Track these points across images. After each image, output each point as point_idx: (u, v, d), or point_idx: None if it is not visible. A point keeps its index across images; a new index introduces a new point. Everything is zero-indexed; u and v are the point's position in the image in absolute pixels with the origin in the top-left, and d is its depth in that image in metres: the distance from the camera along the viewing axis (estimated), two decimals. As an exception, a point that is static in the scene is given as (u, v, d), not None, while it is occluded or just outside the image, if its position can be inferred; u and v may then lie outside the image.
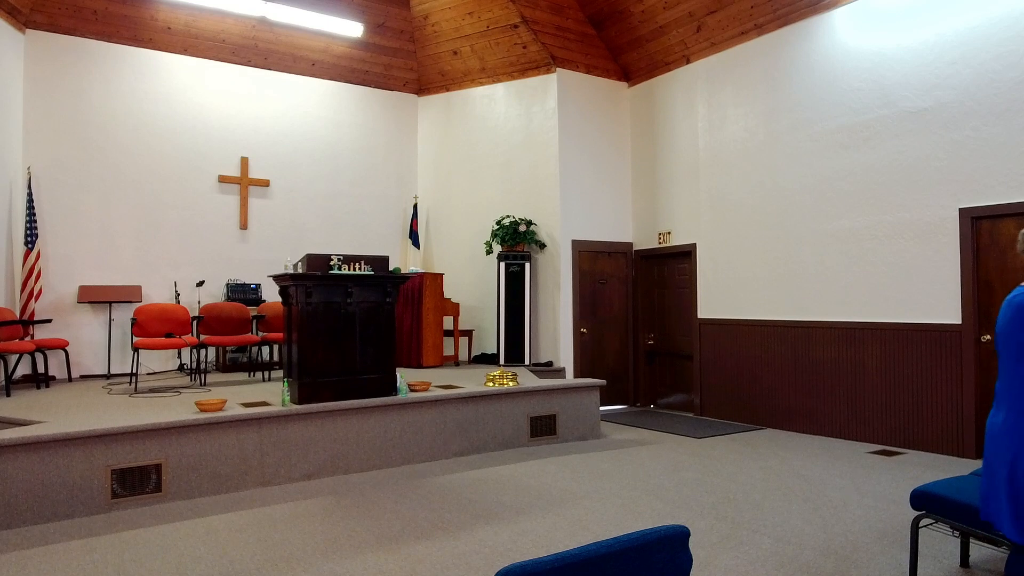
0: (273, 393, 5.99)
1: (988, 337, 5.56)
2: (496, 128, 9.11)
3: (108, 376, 7.56)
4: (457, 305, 8.72)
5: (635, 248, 9.04)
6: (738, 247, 7.61)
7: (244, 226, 8.57)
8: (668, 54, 8.36)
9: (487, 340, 9.02)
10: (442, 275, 8.50)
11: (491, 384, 6.30)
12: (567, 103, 8.61)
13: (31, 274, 7.11)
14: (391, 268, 5.97)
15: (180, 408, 5.19)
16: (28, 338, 6.96)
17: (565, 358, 8.43)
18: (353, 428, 5.39)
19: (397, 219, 9.68)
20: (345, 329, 5.56)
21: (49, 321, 7.20)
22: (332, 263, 5.58)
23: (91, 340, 7.65)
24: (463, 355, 9.17)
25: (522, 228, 8.45)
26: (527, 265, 8.47)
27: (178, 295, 7.93)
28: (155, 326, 6.74)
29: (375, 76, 9.45)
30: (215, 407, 4.94)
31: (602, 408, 7.31)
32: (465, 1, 8.64)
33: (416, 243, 9.55)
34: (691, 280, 8.22)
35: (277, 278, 5.72)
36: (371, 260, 5.78)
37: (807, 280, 6.90)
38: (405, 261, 9.64)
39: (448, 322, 8.82)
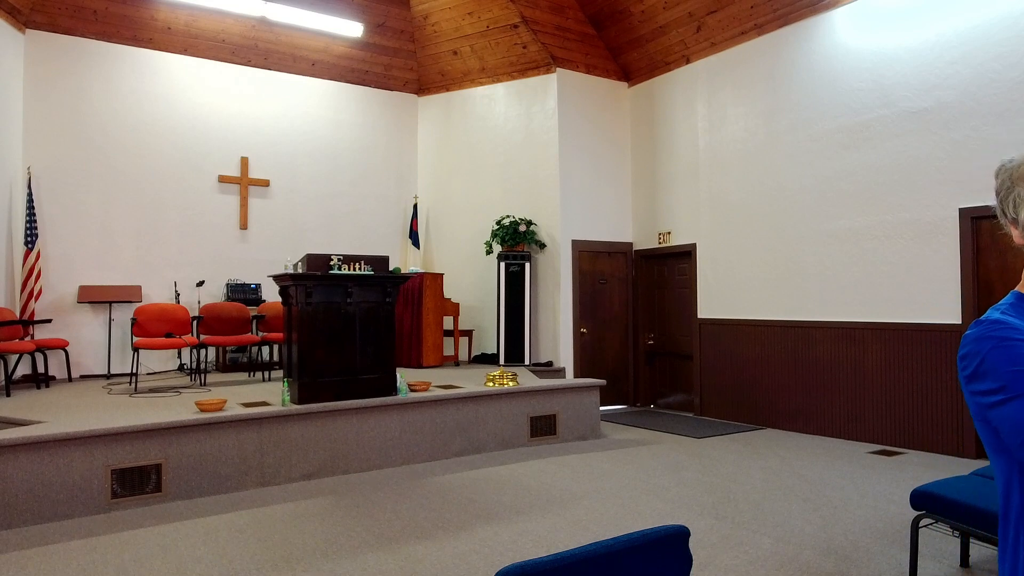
0: (273, 393, 5.99)
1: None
2: (496, 128, 9.11)
3: (108, 376, 7.56)
4: (457, 305, 8.72)
5: (635, 248, 9.04)
6: (738, 247, 7.61)
7: (244, 226, 8.57)
8: (668, 54, 8.36)
9: (487, 340, 9.02)
10: (442, 275, 8.50)
11: (491, 384, 6.30)
12: (567, 103, 8.61)
13: (31, 274, 7.11)
14: (391, 268, 5.97)
15: (180, 408, 5.19)
16: (28, 338, 6.96)
17: (565, 358, 8.43)
18: (353, 428, 5.39)
19: (397, 219, 9.68)
20: (345, 329, 5.56)
21: (49, 321, 7.20)
22: (332, 263, 5.58)
23: (91, 340, 7.65)
24: (463, 355, 9.17)
25: (522, 228, 8.45)
26: (527, 265, 8.47)
27: (178, 295, 7.93)
28: (155, 326, 6.74)
29: (375, 76, 9.45)
30: (215, 407, 4.94)
31: (602, 408, 7.31)
32: (465, 1, 8.63)
33: (416, 243, 9.55)
34: (691, 280, 8.22)
35: (277, 278, 5.72)
36: (371, 260, 5.78)
37: (807, 280, 6.89)
38: (405, 261, 9.64)
39: (448, 322, 8.82)
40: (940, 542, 3.64)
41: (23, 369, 7.05)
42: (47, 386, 6.78)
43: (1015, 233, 1.20)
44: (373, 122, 9.51)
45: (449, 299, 8.70)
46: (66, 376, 7.28)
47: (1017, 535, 1.14)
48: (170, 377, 7.46)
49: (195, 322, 7.15)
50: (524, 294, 8.44)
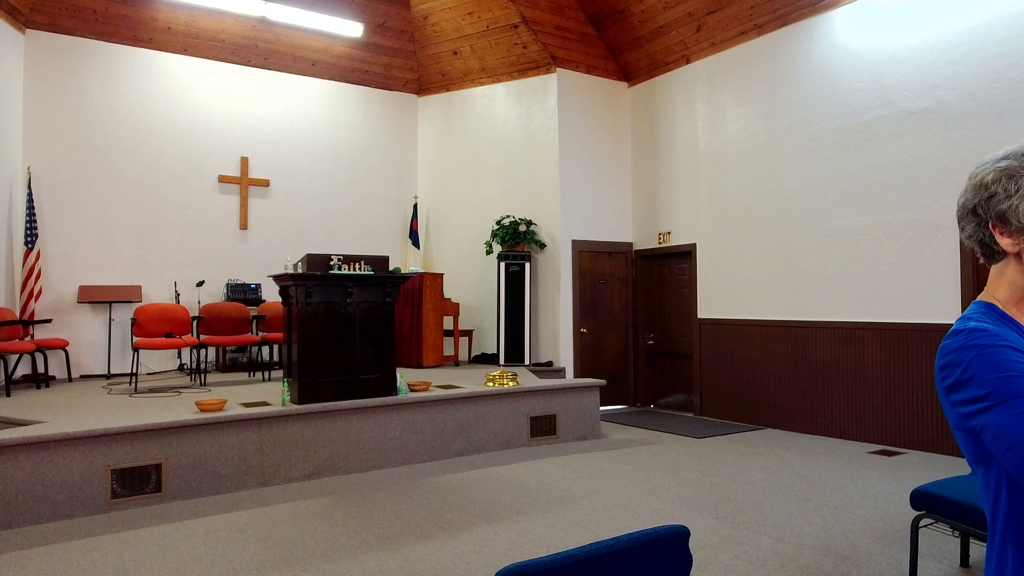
0: (273, 393, 5.99)
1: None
2: (496, 128, 9.11)
3: (108, 376, 7.56)
4: (457, 305, 8.72)
5: (635, 248, 9.04)
6: (738, 247, 7.61)
7: (244, 226, 8.57)
8: (668, 54, 8.36)
9: (487, 340, 9.02)
10: (442, 275, 8.50)
11: (491, 384, 6.30)
12: (567, 103, 8.61)
13: (31, 274, 7.11)
14: (391, 268, 5.97)
15: (180, 408, 5.19)
16: (28, 338, 6.96)
17: (565, 358, 8.43)
18: (353, 428, 5.39)
19: (397, 219, 9.68)
20: (345, 329, 5.56)
21: (49, 321, 7.20)
22: (332, 263, 5.58)
23: (91, 340, 7.65)
24: (463, 355, 9.17)
25: (522, 228, 8.44)
26: (527, 265, 8.47)
27: (178, 295, 7.92)
28: (155, 326, 6.74)
29: (375, 76, 9.45)
30: (215, 407, 4.94)
31: (602, 408, 7.31)
32: (465, 1, 8.63)
33: (416, 243, 9.55)
34: (691, 280, 8.22)
35: (277, 278, 5.72)
36: (371, 260, 5.78)
37: (807, 280, 6.89)
38: (405, 261, 9.64)
39: (448, 322, 8.82)
40: (940, 542, 3.64)
41: (23, 369, 7.05)
42: (47, 386, 6.77)
43: (1006, 242, 1.11)
44: (373, 122, 9.51)
45: (449, 299, 8.70)
46: (66, 376, 7.28)
47: (1003, 544, 1.12)
48: (170, 377, 7.46)
49: (195, 322, 7.15)
50: (524, 294, 8.44)
